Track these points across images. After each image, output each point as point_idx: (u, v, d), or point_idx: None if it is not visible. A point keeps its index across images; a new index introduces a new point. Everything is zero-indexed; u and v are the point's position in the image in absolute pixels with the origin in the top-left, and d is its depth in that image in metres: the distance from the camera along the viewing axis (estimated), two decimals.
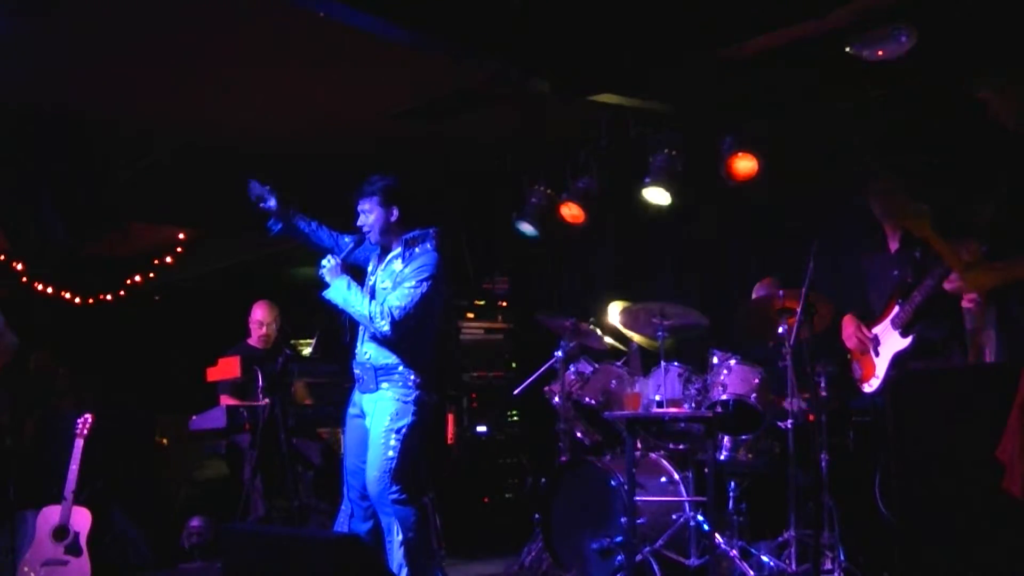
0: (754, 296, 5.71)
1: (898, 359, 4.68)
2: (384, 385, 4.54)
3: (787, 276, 5.65)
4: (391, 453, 4.44)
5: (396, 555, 4.47)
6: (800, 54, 5.09)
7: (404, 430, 4.48)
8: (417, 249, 4.63)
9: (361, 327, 4.64)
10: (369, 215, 4.63)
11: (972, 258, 4.12)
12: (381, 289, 4.60)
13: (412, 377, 4.54)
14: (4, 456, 6.06)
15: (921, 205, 4.38)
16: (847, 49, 4.69)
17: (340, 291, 4.56)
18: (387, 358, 4.55)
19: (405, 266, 4.58)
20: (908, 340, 4.66)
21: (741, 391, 5.12)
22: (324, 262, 4.62)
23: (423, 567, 4.53)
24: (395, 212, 4.63)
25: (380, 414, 4.51)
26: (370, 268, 4.78)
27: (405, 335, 4.50)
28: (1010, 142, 4.21)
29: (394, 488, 4.43)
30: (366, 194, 4.64)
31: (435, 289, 4.56)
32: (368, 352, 4.59)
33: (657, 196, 6.20)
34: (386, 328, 4.46)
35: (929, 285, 4.53)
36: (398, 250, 4.65)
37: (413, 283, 4.50)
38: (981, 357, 4.06)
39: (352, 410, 4.73)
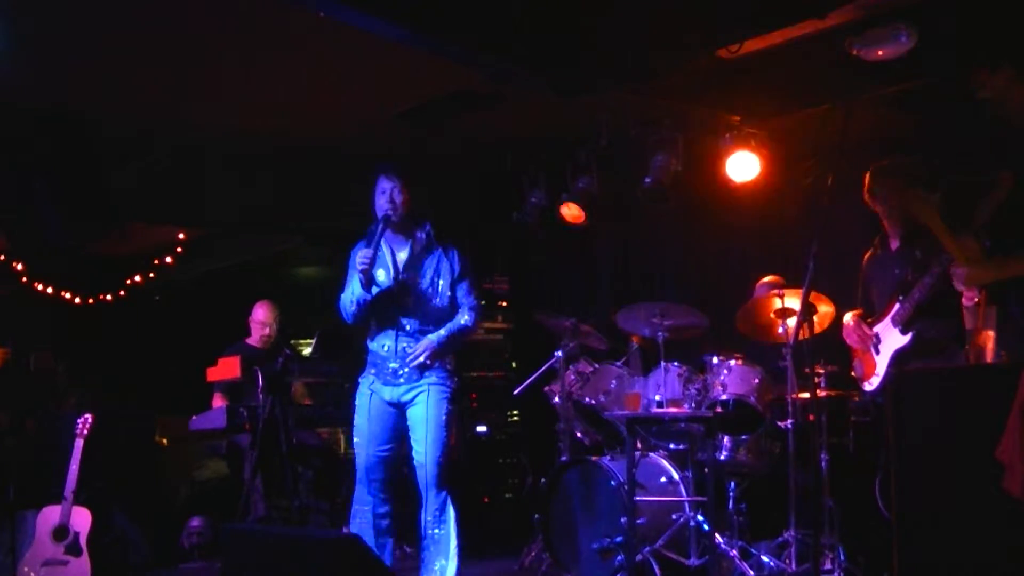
0: (754, 296, 5.71)
1: (898, 357, 4.67)
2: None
3: (787, 276, 5.65)
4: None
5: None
6: (800, 54, 5.08)
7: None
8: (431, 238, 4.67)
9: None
10: (400, 194, 4.56)
11: (973, 254, 4.11)
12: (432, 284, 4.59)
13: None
14: (4, 456, 6.06)
15: (930, 194, 4.37)
16: (847, 49, 4.69)
17: None
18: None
19: (453, 260, 4.64)
20: (908, 337, 4.65)
21: (741, 391, 5.12)
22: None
23: None
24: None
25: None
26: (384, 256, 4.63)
27: None
28: (1010, 141, 4.20)
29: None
30: (396, 173, 4.57)
31: None
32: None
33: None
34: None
35: (928, 283, 4.51)
36: (419, 238, 4.62)
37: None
38: (981, 357, 4.05)
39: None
